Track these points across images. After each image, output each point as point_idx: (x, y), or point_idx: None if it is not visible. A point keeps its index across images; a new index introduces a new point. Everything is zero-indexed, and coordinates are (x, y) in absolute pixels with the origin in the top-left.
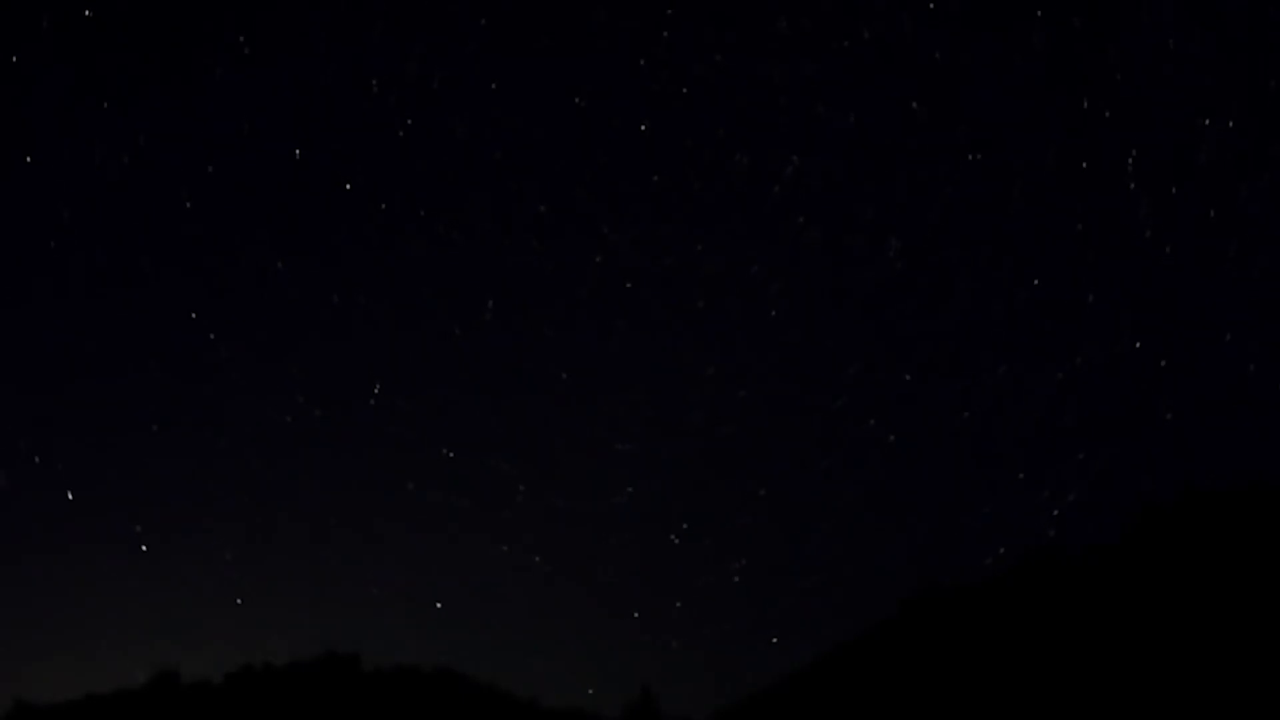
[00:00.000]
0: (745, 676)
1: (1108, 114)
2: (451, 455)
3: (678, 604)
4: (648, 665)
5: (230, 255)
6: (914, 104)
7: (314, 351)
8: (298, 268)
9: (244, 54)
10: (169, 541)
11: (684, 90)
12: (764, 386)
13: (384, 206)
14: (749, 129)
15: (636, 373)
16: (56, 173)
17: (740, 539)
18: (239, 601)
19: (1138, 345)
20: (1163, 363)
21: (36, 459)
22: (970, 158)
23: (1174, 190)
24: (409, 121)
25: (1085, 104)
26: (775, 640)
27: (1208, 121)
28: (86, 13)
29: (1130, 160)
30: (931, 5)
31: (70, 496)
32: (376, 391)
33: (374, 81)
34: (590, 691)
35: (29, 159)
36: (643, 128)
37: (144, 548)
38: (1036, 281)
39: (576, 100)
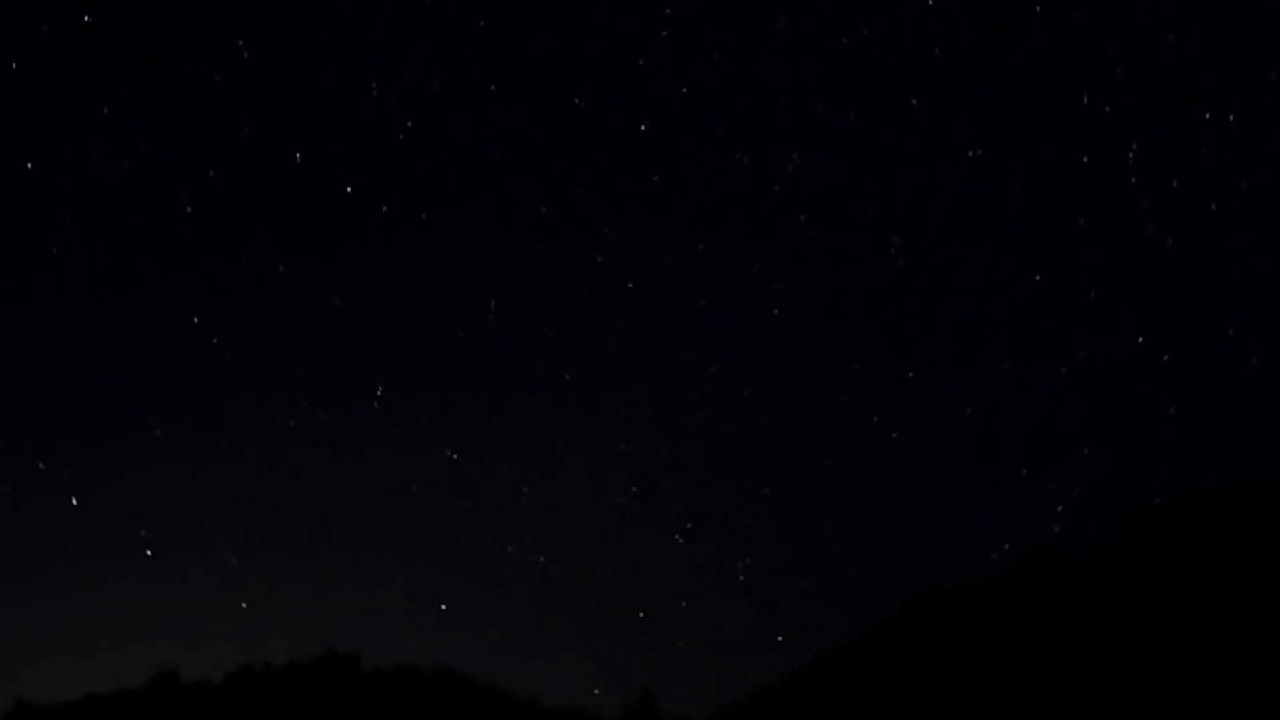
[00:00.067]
0: (745, 676)
1: (1108, 109)
2: (454, 456)
3: (682, 603)
4: (648, 665)
5: (231, 258)
6: (913, 101)
7: (316, 354)
8: (299, 270)
9: (243, 57)
10: (170, 542)
11: (684, 90)
12: (766, 385)
13: (385, 208)
14: (749, 128)
15: (638, 373)
16: (57, 177)
17: (744, 538)
18: (244, 605)
19: (1140, 340)
20: (1165, 358)
21: (41, 465)
22: (970, 154)
23: (1175, 185)
24: (409, 123)
25: (1085, 100)
26: (781, 639)
27: (1208, 116)
28: (86, 18)
29: (1131, 155)
30: (930, 2)
31: (74, 502)
32: (379, 393)
33: (374, 83)
34: (596, 692)
35: (29, 164)
36: (643, 128)
37: (149, 552)
38: (1038, 278)
39: (576, 100)
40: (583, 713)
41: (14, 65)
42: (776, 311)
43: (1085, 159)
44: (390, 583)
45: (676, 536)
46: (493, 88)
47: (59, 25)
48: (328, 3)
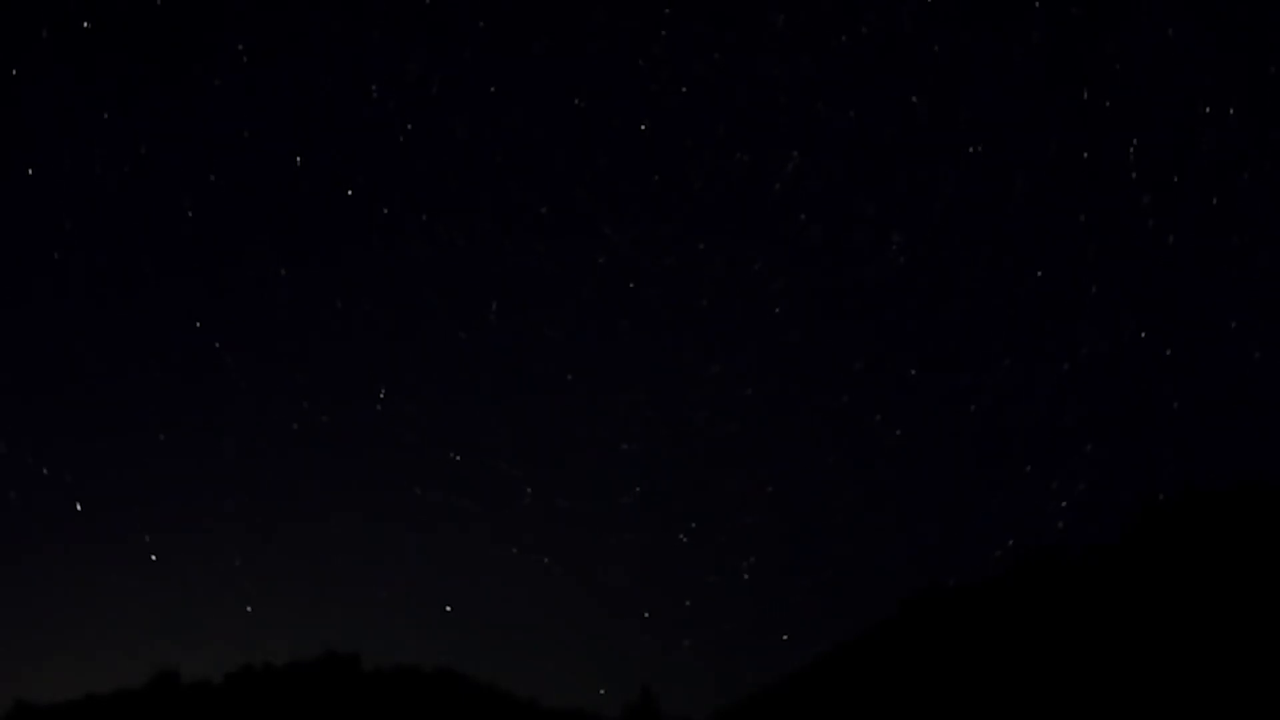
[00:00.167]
0: (745, 676)
1: (1108, 104)
2: (457, 458)
3: (686, 603)
4: (648, 665)
5: (233, 263)
6: (913, 99)
7: (318, 356)
8: (300, 274)
9: (242, 61)
10: (172, 544)
11: (684, 90)
12: (768, 384)
13: (385, 210)
14: (749, 128)
15: (640, 372)
16: (57, 182)
17: (748, 538)
18: (249, 609)
19: (1142, 336)
20: (1167, 353)
21: (45, 470)
22: (970, 151)
23: (1175, 181)
24: (409, 125)
25: (1085, 95)
26: (786, 638)
27: (1208, 110)
28: (85, 24)
29: (1131, 151)
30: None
31: (79, 508)
32: (381, 395)
33: (373, 85)
34: (602, 692)
35: (30, 170)
36: (643, 128)
37: (153, 557)
38: (1039, 274)
39: (576, 101)
40: (582, 713)
41: (14, 71)
42: (778, 310)
43: (1085, 155)
44: (393, 584)
45: (680, 536)
46: (492, 88)
47: (58, 30)
48: (326, 5)
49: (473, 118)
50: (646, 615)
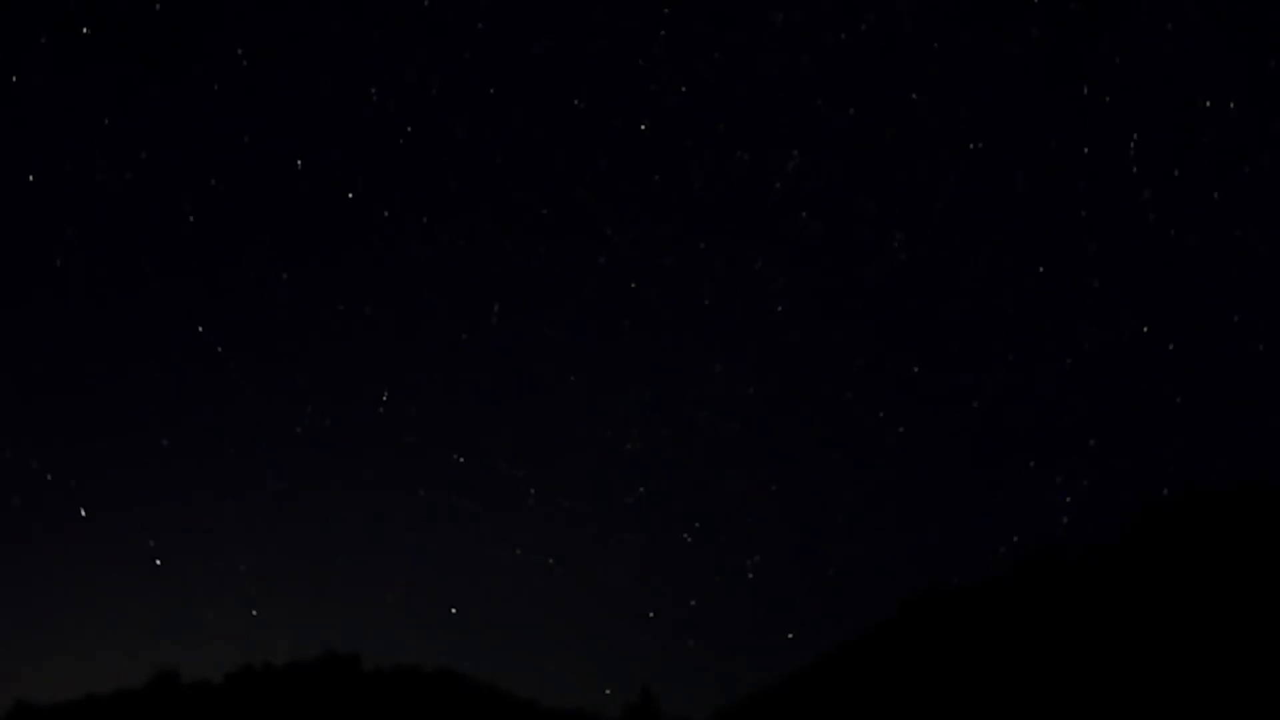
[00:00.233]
0: (745, 676)
1: (1108, 99)
2: (461, 460)
3: (691, 602)
4: (648, 665)
5: (234, 267)
6: (913, 96)
7: (321, 360)
8: (302, 277)
9: (242, 65)
10: (174, 546)
11: (683, 90)
12: (770, 383)
13: (386, 213)
14: (749, 127)
15: (642, 372)
16: (59, 189)
17: (752, 536)
18: (250, 610)
19: (1145, 330)
20: (1170, 346)
21: (49, 477)
22: (971, 147)
23: (1176, 174)
24: (409, 127)
25: (1085, 90)
26: (791, 636)
27: (1208, 103)
28: (84, 30)
29: (1131, 146)
30: None
31: (83, 513)
32: (385, 398)
33: (373, 88)
34: (608, 692)
35: (31, 177)
36: (643, 128)
37: (158, 562)
38: (1041, 270)
39: (576, 101)
40: (582, 713)
41: (14, 79)
42: (780, 309)
43: (1086, 150)
44: (394, 584)
45: (685, 535)
46: (492, 89)
47: (58, 36)
48: (325, 9)
49: (473, 118)
50: (651, 615)
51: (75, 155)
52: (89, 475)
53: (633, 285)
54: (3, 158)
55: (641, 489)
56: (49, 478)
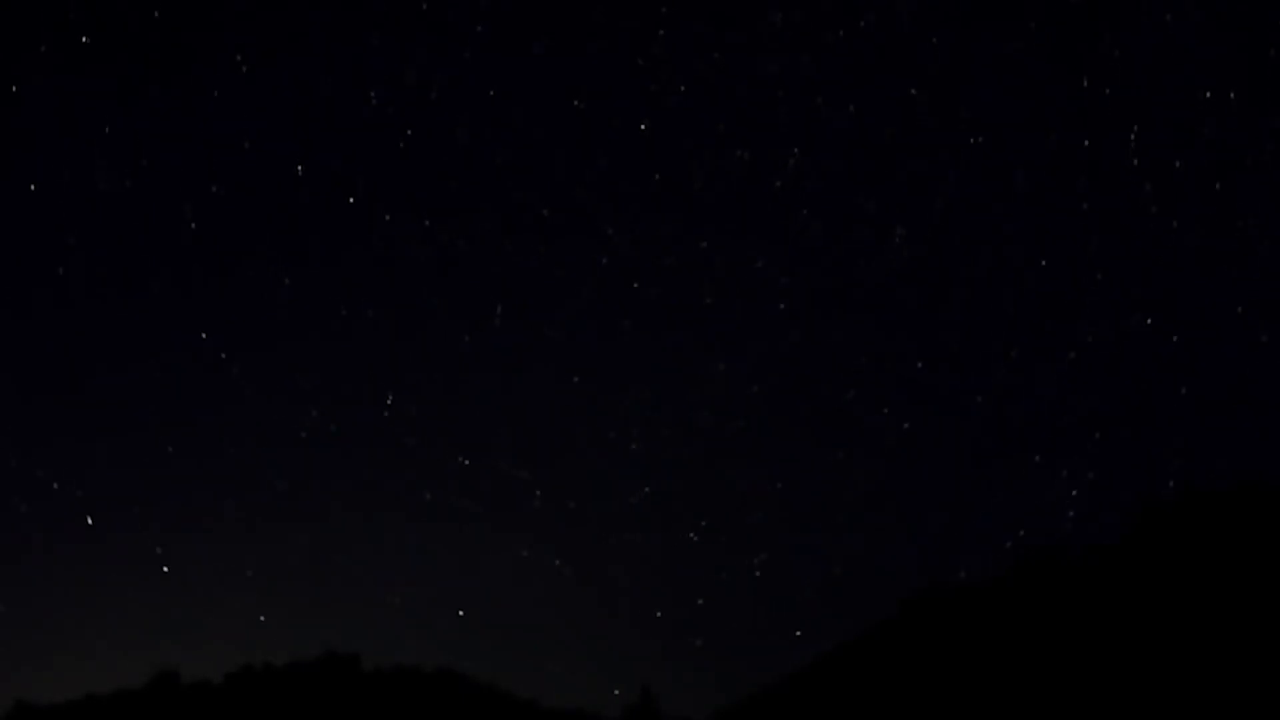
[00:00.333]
0: (745, 676)
1: (1107, 92)
2: (466, 462)
3: (699, 601)
4: (648, 665)
5: (237, 272)
6: (912, 92)
7: (325, 364)
8: (305, 282)
9: (241, 71)
10: (174, 546)
11: (683, 89)
12: (773, 381)
13: (387, 216)
14: (749, 126)
15: (645, 372)
16: (60, 196)
17: (758, 535)
18: (253, 611)
19: (1148, 322)
20: (1174, 338)
21: (55, 484)
22: (971, 142)
23: (1177, 166)
24: (409, 130)
25: (1085, 82)
26: (799, 634)
27: (1209, 95)
28: (84, 39)
29: (1132, 138)
30: None
31: (90, 521)
32: (389, 401)
33: (372, 91)
34: (616, 693)
35: (33, 185)
36: (643, 127)
37: (165, 569)
38: (1043, 264)
39: (576, 102)
40: (582, 713)
41: (14, 88)
42: (782, 307)
43: (1086, 144)
44: (398, 586)
45: (691, 535)
46: (492, 91)
47: (58, 43)
48: (324, 11)
49: (473, 120)
50: (659, 615)
51: (76, 161)
52: (92, 477)
53: (634, 285)
54: (4, 165)
55: (646, 489)
56: (55, 486)
